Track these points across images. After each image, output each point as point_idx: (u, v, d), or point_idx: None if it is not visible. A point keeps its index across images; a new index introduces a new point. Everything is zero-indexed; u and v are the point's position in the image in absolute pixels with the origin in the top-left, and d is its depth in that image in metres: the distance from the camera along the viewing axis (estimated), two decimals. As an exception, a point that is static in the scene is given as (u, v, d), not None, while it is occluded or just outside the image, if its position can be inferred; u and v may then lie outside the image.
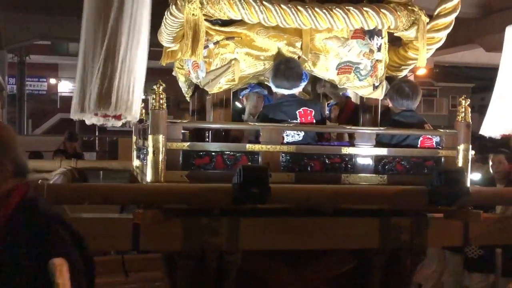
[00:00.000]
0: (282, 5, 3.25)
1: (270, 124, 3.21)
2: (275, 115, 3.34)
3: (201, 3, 3.21)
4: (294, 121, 3.34)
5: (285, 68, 3.37)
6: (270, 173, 2.67)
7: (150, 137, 3.00)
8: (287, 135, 3.26)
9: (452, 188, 2.78)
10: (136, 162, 4.79)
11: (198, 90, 4.06)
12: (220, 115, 3.48)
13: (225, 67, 3.40)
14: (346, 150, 3.26)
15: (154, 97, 2.99)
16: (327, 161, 3.23)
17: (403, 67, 3.97)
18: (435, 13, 3.70)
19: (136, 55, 2.89)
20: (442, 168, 3.10)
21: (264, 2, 3.23)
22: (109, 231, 2.95)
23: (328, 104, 4.60)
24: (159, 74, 5.18)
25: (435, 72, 21.12)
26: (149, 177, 3.00)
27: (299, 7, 3.27)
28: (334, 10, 3.31)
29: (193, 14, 3.22)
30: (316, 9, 3.29)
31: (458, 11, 3.71)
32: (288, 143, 3.23)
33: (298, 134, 3.29)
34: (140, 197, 2.77)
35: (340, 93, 4.38)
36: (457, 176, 2.85)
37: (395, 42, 3.94)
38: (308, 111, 3.38)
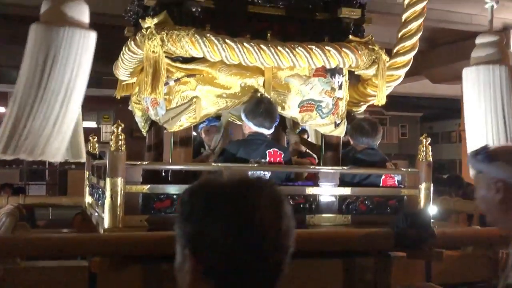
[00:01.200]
0: (244, 44, 3.20)
1: (234, 165, 3.13)
2: (244, 153, 3.26)
3: (162, 40, 3.12)
4: (263, 160, 3.27)
5: (266, 108, 3.31)
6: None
7: (108, 180, 2.86)
8: (252, 175, 3.18)
9: (418, 232, 2.76)
10: (88, 199, 4.59)
11: (155, 126, 3.94)
12: (180, 154, 3.36)
13: (186, 105, 3.31)
14: (310, 191, 3.20)
15: (112, 138, 2.86)
16: (291, 202, 3.16)
17: (361, 103, 3.99)
18: (394, 51, 3.74)
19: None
20: (407, 211, 3.09)
21: (226, 40, 3.17)
22: (64, 279, 2.76)
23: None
24: (111, 102, 5.04)
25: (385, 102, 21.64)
26: (106, 222, 2.84)
27: (262, 46, 3.22)
28: (296, 49, 3.28)
29: (153, 51, 3.13)
30: (278, 47, 3.25)
31: (416, 49, 3.76)
32: (251, 184, 3.15)
33: (264, 174, 3.22)
34: (104, 248, 2.60)
35: (296, 131, 4.36)
36: (423, 218, 2.85)
37: (353, 78, 3.95)
38: (278, 153, 3.33)
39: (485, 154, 1.61)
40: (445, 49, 10.90)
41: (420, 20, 3.74)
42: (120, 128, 2.86)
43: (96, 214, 3.58)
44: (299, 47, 3.30)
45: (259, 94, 3.43)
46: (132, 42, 3.28)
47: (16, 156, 2.32)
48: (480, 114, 3.29)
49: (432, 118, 26.38)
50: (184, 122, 3.33)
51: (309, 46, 3.33)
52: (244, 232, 1.01)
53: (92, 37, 2.66)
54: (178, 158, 3.36)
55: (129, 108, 4.21)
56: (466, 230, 3.43)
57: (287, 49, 3.27)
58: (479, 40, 3.46)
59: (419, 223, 2.78)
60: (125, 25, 4.29)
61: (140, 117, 4.06)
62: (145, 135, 4.36)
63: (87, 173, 4.65)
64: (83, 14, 2.54)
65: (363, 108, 4.07)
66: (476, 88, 3.30)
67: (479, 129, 3.27)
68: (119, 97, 4.36)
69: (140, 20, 3.27)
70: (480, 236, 3.47)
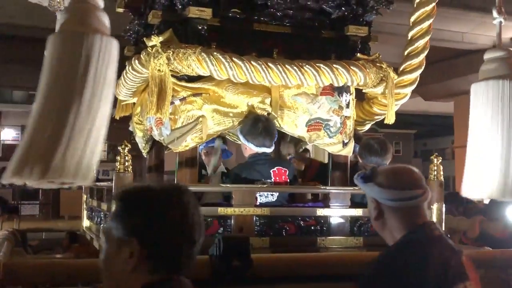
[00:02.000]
0: (252, 62, 3.13)
1: (243, 186, 3.04)
2: (248, 174, 3.18)
3: (168, 59, 3.04)
4: (268, 180, 3.19)
5: (264, 126, 3.24)
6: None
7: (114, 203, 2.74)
8: (260, 196, 3.09)
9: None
10: (87, 223, 4.46)
11: (155, 146, 3.85)
12: (186, 175, 3.27)
13: (192, 125, 3.22)
14: (321, 212, 3.11)
15: (119, 159, 2.76)
16: (302, 224, 3.07)
17: (367, 121, 3.93)
18: (400, 69, 3.69)
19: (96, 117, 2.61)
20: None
21: (234, 59, 3.10)
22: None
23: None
24: None
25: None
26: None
27: (270, 64, 3.16)
28: (304, 67, 3.22)
29: (158, 70, 3.05)
30: (286, 65, 3.19)
31: (423, 67, 3.72)
32: (261, 205, 3.06)
33: (272, 195, 3.13)
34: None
35: (300, 150, 4.28)
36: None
37: (357, 97, 3.90)
38: (283, 171, 3.24)
39: (363, 175, 1.84)
40: (437, 67, 10.97)
41: (427, 38, 3.70)
42: (126, 149, 2.76)
43: (97, 237, 3.45)
44: (306, 65, 3.24)
45: (267, 114, 3.35)
46: (137, 61, 3.20)
47: (60, 179, 2.10)
48: (488, 129, 3.23)
49: (425, 135, 26.41)
50: (189, 142, 3.24)
51: (317, 64, 3.27)
52: (181, 224, 1.38)
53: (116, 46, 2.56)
54: (184, 179, 3.26)
55: (130, 128, 4.11)
56: (481, 253, 3.34)
57: (295, 67, 3.21)
58: (487, 55, 3.41)
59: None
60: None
61: (141, 138, 3.97)
62: (145, 156, 4.26)
63: (85, 196, 4.53)
64: (107, 23, 2.44)
65: (367, 127, 4.01)
66: (485, 103, 3.24)
67: (486, 144, 3.20)
68: (118, 118, 4.27)
69: (144, 39, 3.20)
70: (493, 258, 3.39)
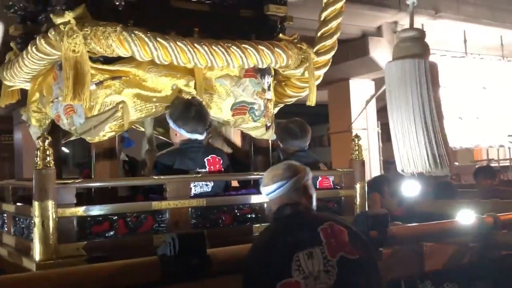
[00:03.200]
0: (177, 42, 2.89)
1: (176, 177, 2.81)
2: (181, 163, 2.95)
3: (85, 38, 2.70)
4: (203, 170, 2.99)
5: (196, 111, 3.01)
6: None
7: (36, 204, 2.38)
8: (195, 186, 2.89)
9: (379, 233, 2.72)
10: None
11: (53, 137, 3.44)
12: (105, 167, 2.96)
13: (111, 112, 2.91)
14: (255, 199, 3.00)
15: (38, 153, 2.39)
16: (237, 213, 2.94)
17: (279, 104, 3.87)
18: (314, 50, 3.67)
19: None
20: (369, 212, 3.02)
21: (158, 39, 2.83)
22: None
23: None
24: None
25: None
26: (38, 254, 2.37)
27: (196, 45, 2.94)
28: (230, 48, 3.05)
29: (73, 51, 2.69)
30: (212, 46, 2.99)
31: (336, 48, 3.74)
32: (196, 196, 2.87)
33: (207, 185, 2.94)
34: None
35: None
36: (383, 220, 2.80)
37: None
38: (217, 159, 3.06)
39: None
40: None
41: (340, 19, 3.72)
42: (46, 142, 2.40)
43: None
44: (233, 46, 3.07)
45: (188, 97, 3.14)
46: (43, 41, 2.80)
47: None
48: (405, 105, 3.35)
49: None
50: (107, 131, 2.93)
51: (243, 45, 3.11)
52: None
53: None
54: (103, 172, 2.94)
55: (23, 117, 3.64)
56: (398, 228, 3.46)
57: (221, 48, 3.02)
58: (402, 35, 3.52)
59: (379, 224, 2.72)
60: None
61: (38, 128, 3.53)
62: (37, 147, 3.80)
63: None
64: None
65: (276, 110, 3.95)
66: (401, 81, 3.35)
67: (406, 121, 3.33)
68: (3, 106, 3.77)
69: (52, 15, 2.79)
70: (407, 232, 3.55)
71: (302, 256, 2.04)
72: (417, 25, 9.94)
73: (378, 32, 10.15)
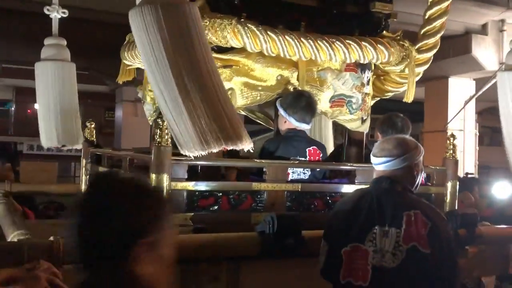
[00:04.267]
0: (286, 36, 3.09)
1: (276, 162, 3.03)
2: (283, 150, 3.17)
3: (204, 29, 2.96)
4: (302, 158, 3.19)
5: (307, 102, 3.22)
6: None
7: (152, 176, 2.70)
8: (293, 173, 3.11)
9: (468, 232, 2.80)
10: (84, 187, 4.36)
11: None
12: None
13: (220, 97, 3.17)
14: (347, 188, 3.16)
15: (159, 132, 2.69)
16: (329, 200, 3.12)
17: (375, 98, 3.97)
18: (416, 47, 3.73)
19: None
20: (459, 211, 3.11)
21: (268, 32, 3.05)
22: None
23: None
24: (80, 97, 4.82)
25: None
26: (151, 221, 2.69)
27: (302, 39, 3.13)
28: (335, 43, 3.21)
29: (193, 40, 2.96)
30: (318, 41, 3.17)
31: (438, 47, 3.78)
32: (292, 181, 3.08)
33: (304, 173, 3.15)
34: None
35: None
36: (472, 219, 2.88)
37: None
38: (318, 151, 3.25)
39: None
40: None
41: (444, 18, 3.75)
42: (165, 123, 2.70)
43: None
44: (337, 41, 3.23)
45: (291, 88, 3.34)
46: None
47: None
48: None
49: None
50: (216, 114, 3.19)
51: (346, 41, 3.26)
52: None
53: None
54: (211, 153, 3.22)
55: (139, 95, 4.00)
56: (486, 229, 3.49)
57: (325, 43, 3.20)
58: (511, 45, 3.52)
59: (468, 223, 2.81)
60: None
61: (152, 105, 3.87)
62: (150, 123, 4.17)
63: (84, 160, 4.41)
64: None
65: (372, 103, 4.05)
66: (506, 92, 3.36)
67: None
68: (121, 82, 4.15)
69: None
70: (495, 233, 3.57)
71: (379, 231, 2.19)
72: None
73: (483, 30, 9.70)
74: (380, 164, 2.37)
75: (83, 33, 8.39)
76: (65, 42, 4.63)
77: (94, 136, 4.48)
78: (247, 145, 2.34)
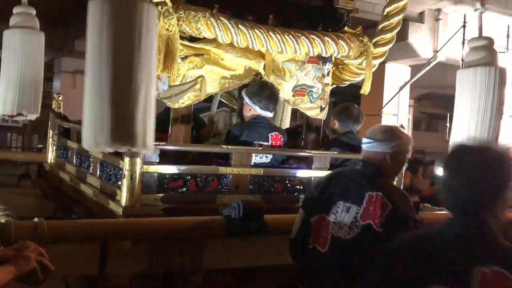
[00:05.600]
0: (255, 29, 3.29)
1: (241, 148, 3.27)
2: (248, 135, 3.40)
3: (178, 20, 3.12)
4: (265, 143, 3.43)
5: (270, 91, 3.45)
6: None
7: (127, 159, 2.89)
8: (256, 156, 3.35)
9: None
10: (53, 158, 4.50)
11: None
12: (181, 131, 3.43)
13: (191, 83, 3.35)
14: (305, 173, 3.45)
15: (134, 118, 2.86)
16: (288, 184, 3.40)
17: (333, 86, 4.24)
18: (373, 41, 3.99)
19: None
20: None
21: (239, 25, 3.24)
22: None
23: None
24: None
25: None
26: (124, 201, 2.90)
27: (270, 33, 3.34)
28: (300, 38, 3.44)
29: (167, 29, 3.12)
30: (285, 35, 3.38)
31: (393, 42, 4.05)
32: (255, 165, 3.33)
33: (266, 157, 3.40)
34: (128, 232, 2.64)
35: None
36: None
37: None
38: (279, 136, 3.49)
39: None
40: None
41: (401, 15, 4.02)
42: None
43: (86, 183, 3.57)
44: (302, 36, 3.45)
45: (259, 77, 3.56)
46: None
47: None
48: (472, 111, 3.64)
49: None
50: (186, 99, 3.39)
51: (311, 36, 3.49)
52: None
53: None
54: (178, 135, 3.42)
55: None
56: (427, 215, 3.84)
57: (292, 37, 3.41)
58: (471, 44, 3.79)
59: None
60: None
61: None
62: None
63: (51, 131, 4.53)
64: None
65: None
66: (471, 88, 3.64)
67: (468, 125, 3.64)
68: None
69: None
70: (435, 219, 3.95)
71: (342, 205, 2.42)
72: (460, 15, 9.89)
73: (420, 18, 10.00)
74: (363, 144, 2.58)
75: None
76: (34, 11, 4.65)
77: (61, 108, 4.58)
78: (145, 150, 2.37)
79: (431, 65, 10.37)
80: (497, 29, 9.82)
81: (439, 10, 9.96)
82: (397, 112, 10.82)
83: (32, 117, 4.60)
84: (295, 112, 4.52)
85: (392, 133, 2.53)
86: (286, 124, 4.43)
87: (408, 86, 11.13)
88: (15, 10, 4.60)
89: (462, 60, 10.72)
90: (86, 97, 2.23)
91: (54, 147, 4.47)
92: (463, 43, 10.61)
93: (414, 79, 10.73)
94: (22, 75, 4.50)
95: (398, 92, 10.95)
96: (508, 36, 10.14)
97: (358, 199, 2.39)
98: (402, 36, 9.83)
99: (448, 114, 12.00)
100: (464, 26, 10.54)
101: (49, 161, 4.54)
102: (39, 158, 4.99)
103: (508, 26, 10.04)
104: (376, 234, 2.33)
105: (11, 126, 14.28)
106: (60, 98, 4.59)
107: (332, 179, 2.56)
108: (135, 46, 2.32)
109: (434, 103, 20.65)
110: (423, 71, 10.13)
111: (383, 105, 10.75)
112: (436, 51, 10.32)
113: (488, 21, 9.80)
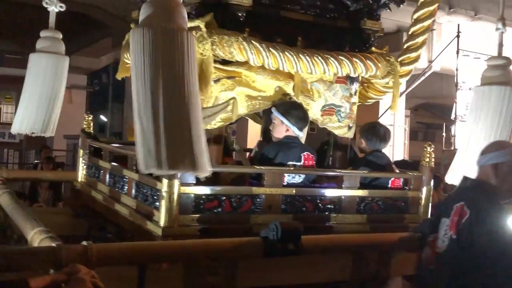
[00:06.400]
0: (285, 52, 3.38)
1: (273, 168, 3.33)
2: (283, 155, 3.44)
3: (212, 44, 3.21)
4: (298, 163, 3.49)
5: (304, 112, 3.55)
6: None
7: (165, 181, 2.97)
8: (288, 175, 3.41)
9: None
10: (82, 178, 4.60)
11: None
12: (213, 151, 3.50)
13: (223, 105, 3.44)
14: (336, 192, 3.50)
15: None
16: (319, 203, 3.45)
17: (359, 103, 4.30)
18: (398, 60, 4.06)
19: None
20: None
21: (270, 49, 3.33)
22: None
23: None
24: (14, 82, 4.92)
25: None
26: (163, 222, 2.97)
27: (300, 55, 3.43)
28: (329, 60, 3.52)
29: (201, 54, 3.21)
30: (314, 57, 3.46)
31: (418, 61, 4.12)
32: (288, 185, 3.39)
33: (299, 176, 3.46)
34: (170, 254, 2.71)
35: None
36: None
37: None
38: (311, 156, 3.55)
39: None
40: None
41: (426, 35, 4.10)
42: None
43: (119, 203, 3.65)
44: (331, 57, 3.53)
45: (288, 98, 3.63)
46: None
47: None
48: (485, 127, 3.71)
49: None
50: (218, 121, 3.47)
51: (339, 57, 3.57)
52: None
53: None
54: (211, 155, 3.48)
55: None
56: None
57: (320, 59, 3.49)
58: (490, 62, 3.87)
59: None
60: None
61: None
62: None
63: (81, 151, 4.62)
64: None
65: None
66: (485, 105, 3.71)
67: (478, 141, 3.70)
68: (119, 78, 4.35)
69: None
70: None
71: (442, 221, 2.75)
72: (454, 25, 9.87)
73: None
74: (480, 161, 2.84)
75: (20, 17, 8.20)
76: (60, 36, 4.78)
77: (91, 128, 4.68)
78: (203, 173, 2.55)
79: (426, 75, 10.41)
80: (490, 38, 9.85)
81: (433, 20, 10.01)
82: (393, 122, 10.87)
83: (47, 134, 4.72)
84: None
85: (496, 144, 2.96)
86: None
87: (403, 96, 11.11)
88: (42, 34, 4.73)
89: (457, 70, 10.84)
90: (139, 124, 2.35)
91: (85, 166, 4.56)
92: (457, 53, 10.66)
93: (409, 89, 10.74)
94: (42, 98, 4.60)
95: None
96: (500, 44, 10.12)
97: (448, 210, 2.74)
98: (397, 46, 9.78)
99: (444, 124, 12.03)
100: (458, 36, 10.62)
101: (79, 179, 4.63)
102: (67, 177, 5.09)
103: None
104: (453, 241, 2.66)
105: (8, 142, 14.44)
106: (90, 118, 4.69)
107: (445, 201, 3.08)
108: (185, 72, 2.46)
109: (431, 113, 20.66)
110: (418, 81, 10.15)
111: (379, 116, 10.75)
112: (430, 61, 10.35)
113: (481, 29, 9.74)
